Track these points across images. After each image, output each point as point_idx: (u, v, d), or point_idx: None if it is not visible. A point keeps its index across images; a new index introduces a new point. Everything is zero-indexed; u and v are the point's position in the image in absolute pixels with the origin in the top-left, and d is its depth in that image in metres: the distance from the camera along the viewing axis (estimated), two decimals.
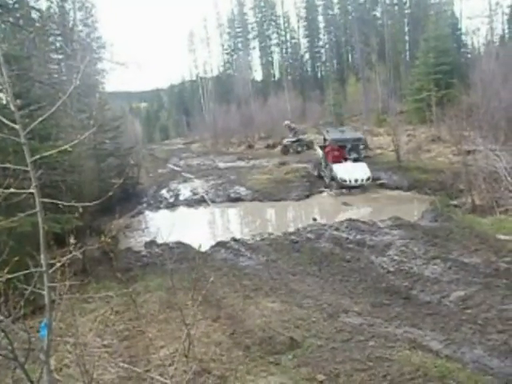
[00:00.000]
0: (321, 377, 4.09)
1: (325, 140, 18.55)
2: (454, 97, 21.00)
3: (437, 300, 6.12)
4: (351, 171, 15.77)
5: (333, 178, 16.05)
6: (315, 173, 18.55)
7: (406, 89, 32.15)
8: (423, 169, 16.87)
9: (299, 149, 27.15)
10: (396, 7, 44.08)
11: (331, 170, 16.20)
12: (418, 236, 9.14)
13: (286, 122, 29.41)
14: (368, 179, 15.55)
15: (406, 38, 43.96)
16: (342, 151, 16.96)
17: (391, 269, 7.54)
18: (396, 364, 4.22)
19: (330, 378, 4.11)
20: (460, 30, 36.66)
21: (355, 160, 16.67)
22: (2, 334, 1.93)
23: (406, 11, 43.97)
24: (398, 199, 14.24)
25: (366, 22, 44.49)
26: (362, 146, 17.98)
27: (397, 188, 15.55)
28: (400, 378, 4.00)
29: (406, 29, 44.09)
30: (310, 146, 26.94)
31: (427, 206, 12.15)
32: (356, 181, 15.50)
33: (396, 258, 8.08)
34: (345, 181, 15.46)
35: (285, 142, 28.43)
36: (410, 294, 6.41)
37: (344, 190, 15.67)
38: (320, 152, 18.58)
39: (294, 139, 27.85)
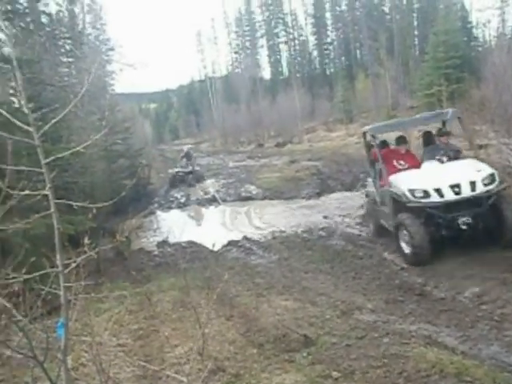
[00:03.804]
0: (336, 374, 4.07)
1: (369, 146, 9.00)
2: (464, 91, 20.77)
3: (451, 296, 6.05)
4: (436, 174, 7.18)
5: (394, 199, 7.39)
6: (371, 228, 9.28)
7: (415, 84, 31.92)
8: None
9: (193, 182, 21.16)
10: (404, 2, 43.74)
11: (389, 185, 7.52)
12: None
13: (187, 147, 25.24)
14: (492, 178, 6.85)
15: (415, 32, 43.64)
16: (413, 157, 8.34)
17: (404, 265, 7.48)
18: (411, 361, 4.18)
19: (345, 375, 4.09)
20: (470, 23, 36.31)
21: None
22: (21, 333, 1.97)
23: (415, 5, 43.65)
24: None
25: (374, 18, 44.30)
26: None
27: None
28: (416, 374, 3.97)
29: (415, 23, 43.75)
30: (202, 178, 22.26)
31: None
32: (455, 188, 6.66)
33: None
34: (420, 193, 6.78)
35: (174, 171, 22.53)
36: (423, 291, 6.35)
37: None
38: (371, 190, 9.02)
39: (188, 170, 21.90)
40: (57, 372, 2.07)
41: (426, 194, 6.81)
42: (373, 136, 8.36)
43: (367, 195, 9.63)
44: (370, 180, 9.29)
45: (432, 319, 5.31)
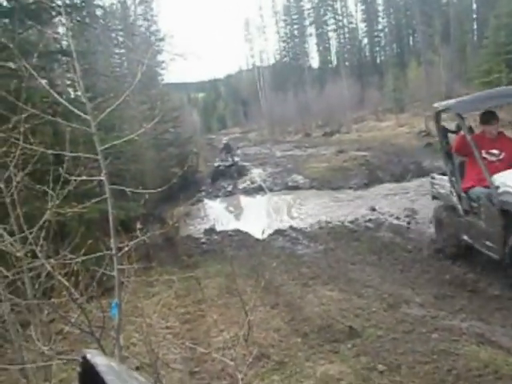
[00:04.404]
0: (381, 367, 4.01)
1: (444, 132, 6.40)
2: None
3: (507, 294, 5.77)
4: None
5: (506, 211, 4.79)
6: (445, 246, 6.91)
7: (472, 71, 30.33)
8: None
9: (234, 175, 20.11)
10: None
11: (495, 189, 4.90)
12: None
13: (226, 138, 24.45)
14: None
15: (474, 16, 41.38)
16: (509, 142, 5.76)
17: (456, 260, 7.21)
18: (462, 359, 4.04)
19: (390, 368, 4.01)
20: None
21: None
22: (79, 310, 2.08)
23: None
24: None
25: (428, 3, 42.35)
26: None
27: None
28: (467, 373, 3.82)
29: (474, 6, 41.47)
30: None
31: None
32: None
33: None
34: None
35: (214, 165, 21.70)
36: (476, 287, 6.09)
37: None
38: (444, 192, 6.64)
39: (229, 163, 20.96)
40: (110, 349, 2.18)
41: None
42: (459, 115, 5.67)
43: (435, 197, 7.22)
44: (437, 176, 7.11)
45: (485, 317, 5.09)
